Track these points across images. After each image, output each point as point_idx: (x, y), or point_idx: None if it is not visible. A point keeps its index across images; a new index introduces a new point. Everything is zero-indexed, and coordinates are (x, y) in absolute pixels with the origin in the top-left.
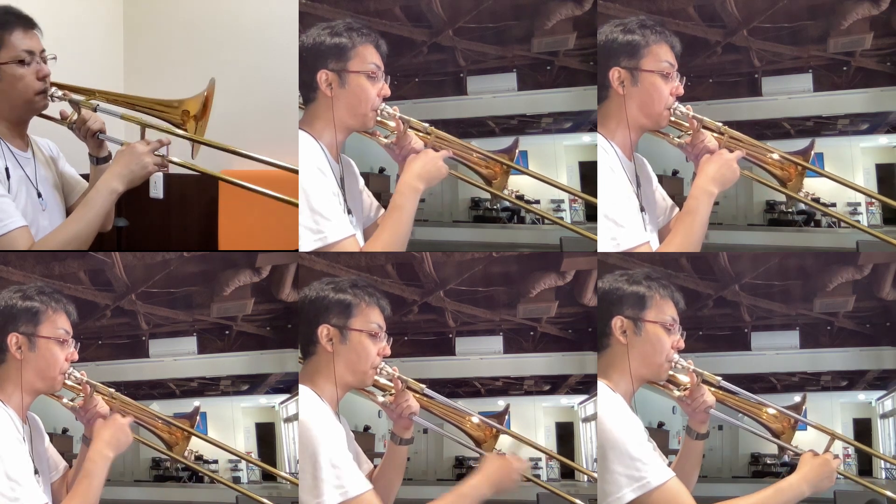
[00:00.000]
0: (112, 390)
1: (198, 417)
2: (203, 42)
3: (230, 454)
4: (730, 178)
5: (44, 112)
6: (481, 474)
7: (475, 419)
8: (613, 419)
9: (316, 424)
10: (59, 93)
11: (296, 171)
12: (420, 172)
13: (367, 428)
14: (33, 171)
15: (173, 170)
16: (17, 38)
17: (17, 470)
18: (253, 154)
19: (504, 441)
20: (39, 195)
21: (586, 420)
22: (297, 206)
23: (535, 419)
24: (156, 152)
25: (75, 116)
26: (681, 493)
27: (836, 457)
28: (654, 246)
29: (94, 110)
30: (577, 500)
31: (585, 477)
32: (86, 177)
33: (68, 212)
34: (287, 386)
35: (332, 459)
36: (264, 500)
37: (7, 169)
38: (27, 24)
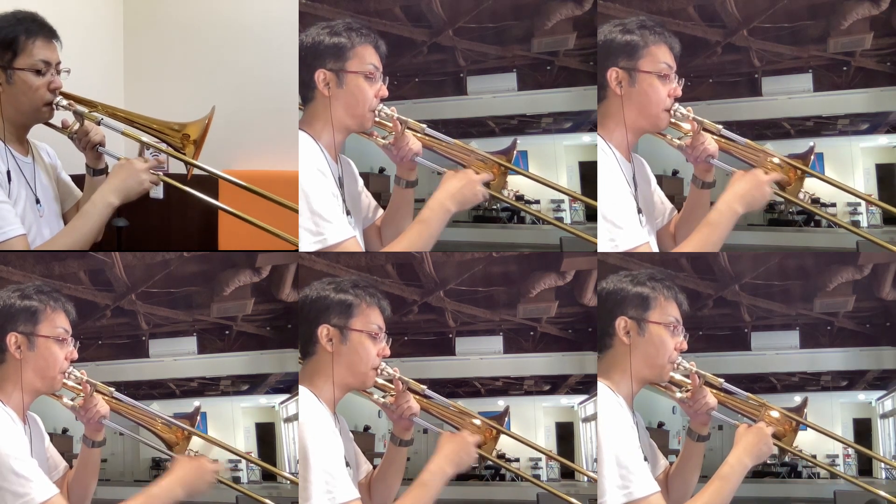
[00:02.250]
0: (112, 390)
1: (198, 417)
2: (203, 42)
3: (230, 454)
4: (759, 201)
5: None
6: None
7: (476, 420)
8: (610, 423)
9: (311, 428)
10: (65, 102)
11: (295, 210)
12: (454, 193)
13: (367, 428)
14: (33, 176)
15: (174, 170)
16: (38, 47)
17: (22, 465)
18: (252, 186)
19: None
20: (38, 201)
21: (586, 420)
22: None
23: (535, 419)
24: (152, 170)
25: (76, 126)
26: None
27: (768, 425)
28: (653, 247)
29: (98, 123)
30: (576, 501)
31: (585, 477)
32: (79, 180)
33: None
34: (287, 386)
35: (323, 465)
36: (264, 501)
37: (8, 172)
38: (49, 34)
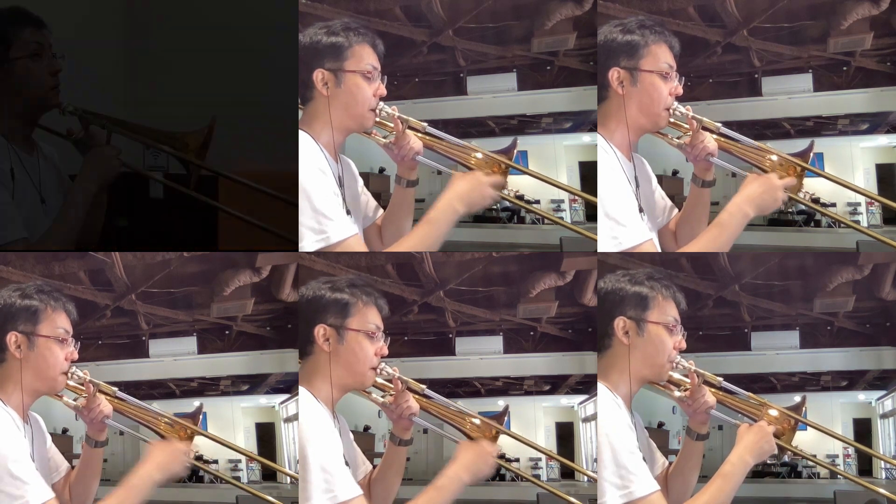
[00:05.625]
0: (115, 389)
1: (200, 416)
2: (203, 42)
3: (230, 454)
4: (770, 205)
5: (51, 128)
6: (457, 463)
7: (476, 420)
8: (609, 424)
9: (309, 428)
10: (71, 107)
11: (295, 204)
12: (463, 195)
13: (367, 428)
14: (38, 175)
15: (173, 170)
16: (30, 33)
17: (20, 467)
18: (250, 182)
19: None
20: (43, 200)
21: (586, 420)
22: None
23: (535, 419)
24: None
25: (82, 134)
26: None
27: (770, 423)
28: (655, 246)
29: (103, 127)
30: (576, 501)
31: (585, 477)
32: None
33: None
34: (287, 386)
35: (322, 464)
36: (265, 498)
37: (12, 170)
38: (38, 22)
